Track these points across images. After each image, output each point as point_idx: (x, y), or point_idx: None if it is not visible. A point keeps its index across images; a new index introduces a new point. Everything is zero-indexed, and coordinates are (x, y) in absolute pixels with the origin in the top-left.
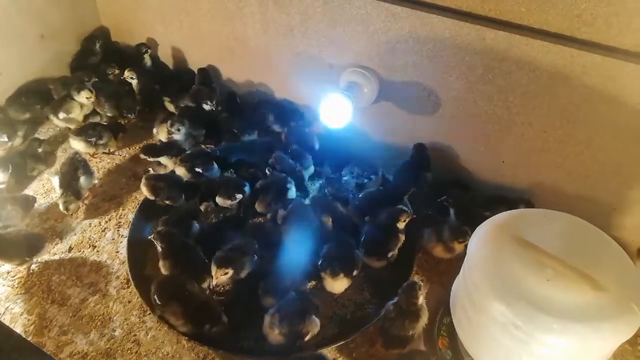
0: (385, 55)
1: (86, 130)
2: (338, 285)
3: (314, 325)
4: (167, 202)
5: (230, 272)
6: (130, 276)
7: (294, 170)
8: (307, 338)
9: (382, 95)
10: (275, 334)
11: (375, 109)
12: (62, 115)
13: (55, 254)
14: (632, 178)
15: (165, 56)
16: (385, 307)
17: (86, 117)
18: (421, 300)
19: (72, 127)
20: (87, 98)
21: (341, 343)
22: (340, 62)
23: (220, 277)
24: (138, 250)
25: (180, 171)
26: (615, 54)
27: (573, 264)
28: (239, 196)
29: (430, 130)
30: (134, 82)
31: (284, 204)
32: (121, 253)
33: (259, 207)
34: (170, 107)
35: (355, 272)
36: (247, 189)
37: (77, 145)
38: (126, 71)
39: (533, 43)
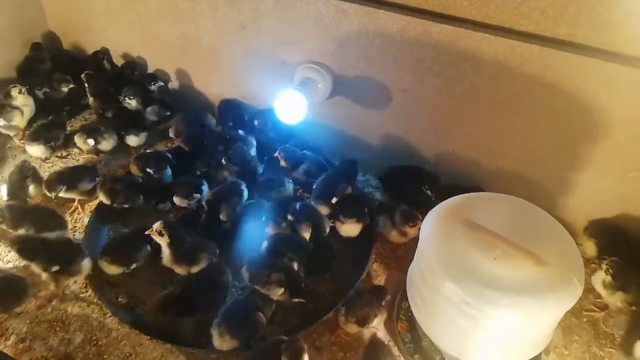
0: (337, 51)
1: (42, 134)
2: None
3: (262, 321)
4: (125, 205)
5: (166, 238)
6: (88, 280)
7: (249, 163)
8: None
9: (336, 90)
10: (227, 341)
11: (330, 103)
12: (2, 122)
13: (9, 261)
14: (573, 161)
15: (118, 58)
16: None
17: (30, 121)
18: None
19: (12, 134)
20: (19, 93)
21: (303, 333)
22: (294, 58)
23: (155, 232)
24: (95, 254)
25: (133, 169)
26: (551, 44)
27: (518, 243)
28: (197, 196)
29: (383, 123)
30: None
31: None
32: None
33: (223, 217)
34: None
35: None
36: (205, 187)
37: (34, 151)
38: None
39: (475, 35)
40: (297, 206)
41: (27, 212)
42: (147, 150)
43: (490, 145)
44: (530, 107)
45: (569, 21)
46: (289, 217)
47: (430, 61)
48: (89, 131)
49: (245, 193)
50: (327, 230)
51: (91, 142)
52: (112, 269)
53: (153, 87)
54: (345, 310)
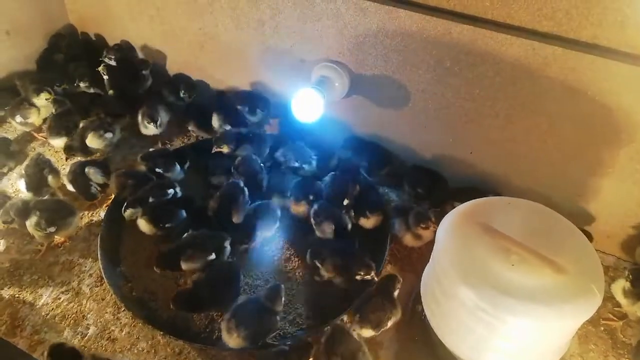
0: (356, 50)
1: (60, 126)
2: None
3: (275, 322)
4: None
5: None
6: (103, 273)
7: (256, 175)
8: (268, 337)
9: (353, 89)
10: (235, 339)
11: (347, 102)
12: (19, 119)
13: (26, 253)
14: (594, 166)
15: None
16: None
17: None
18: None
19: (27, 130)
20: (46, 99)
21: (317, 331)
22: (312, 56)
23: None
24: (111, 247)
25: (141, 168)
26: (574, 46)
27: (536, 249)
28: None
29: (400, 122)
30: (106, 78)
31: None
32: (93, 251)
33: (236, 220)
34: None
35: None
36: None
37: (59, 143)
38: (100, 67)
39: (497, 36)
40: (316, 206)
41: (34, 208)
42: (150, 149)
43: (508, 148)
44: (551, 109)
45: (593, 23)
46: (310, 197)
47: (450, 61)
48: (104, 125)
49: (246, 190)
50: (350, 225)
51: (109, 135)
52: (149, 229)
53: (185, 96)
54: (359, 316)
